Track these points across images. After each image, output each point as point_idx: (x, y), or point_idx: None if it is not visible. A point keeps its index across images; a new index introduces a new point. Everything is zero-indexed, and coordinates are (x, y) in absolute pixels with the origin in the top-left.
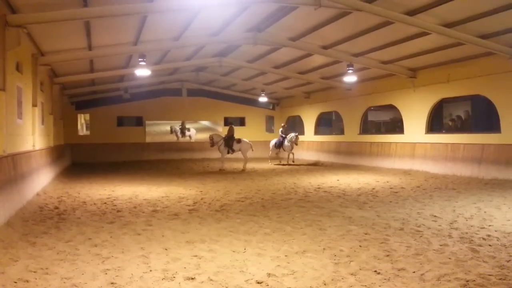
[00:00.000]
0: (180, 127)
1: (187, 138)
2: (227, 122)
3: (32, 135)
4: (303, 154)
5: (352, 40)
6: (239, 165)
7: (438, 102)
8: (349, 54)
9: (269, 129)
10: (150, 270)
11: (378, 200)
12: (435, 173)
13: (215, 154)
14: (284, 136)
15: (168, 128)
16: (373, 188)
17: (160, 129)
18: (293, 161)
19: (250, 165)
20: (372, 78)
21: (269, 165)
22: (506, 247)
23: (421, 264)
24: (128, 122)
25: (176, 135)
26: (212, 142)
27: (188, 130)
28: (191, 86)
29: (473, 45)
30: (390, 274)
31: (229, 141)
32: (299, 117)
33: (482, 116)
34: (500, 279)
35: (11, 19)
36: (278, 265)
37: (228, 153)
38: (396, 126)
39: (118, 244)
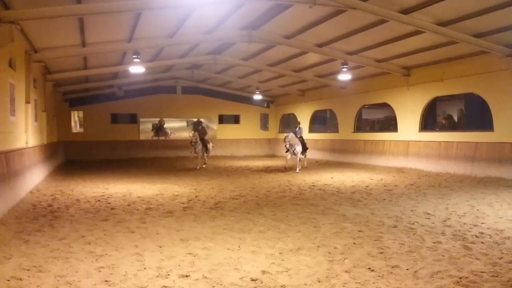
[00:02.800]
0: (158, 125)
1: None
2: (221, 119)
3: (25, 132)
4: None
5: (347, 38)
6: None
7: (431, 101)
8: (344, 52)
9: (264, 127)
10: (145, 268)
11: (372, 198)
12: (428, 171)
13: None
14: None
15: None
16: (367, 186)
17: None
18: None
19: (245, 163)
20: (367, 76)
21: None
22: (498, 244)
23: (414, 261)
24: (122, 120)
25: (154, 133)
26: (195, 142)
27: (161, 129)
28: (185, 84)
29: (467, 44)
30: (383, 271)
31: (205, 142)
32: (293, 115)
33: (475, 115)
34: (493, 276)
35: (4, 15)
36: (273, 263)
37: (203, 152)
38: (390, 124)
39: (112, 241)
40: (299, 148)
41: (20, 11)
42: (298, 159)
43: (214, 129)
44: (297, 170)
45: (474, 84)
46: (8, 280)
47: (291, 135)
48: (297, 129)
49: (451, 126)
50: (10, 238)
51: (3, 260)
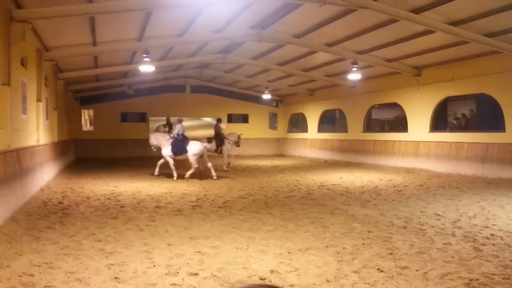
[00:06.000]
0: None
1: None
2: (230, 118)
3: (37, 130)
4: (306, 152)
5: (357, 38)
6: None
7: (442, 101)
8: (354, 51)
9: (273, 127)
10: (154, 266)
11: (381, 198)
12: (438, 172)
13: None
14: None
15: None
16: (376, 186)
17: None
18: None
19: (253, 162)
20: (377, 76)
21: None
22: (509, 247)
23: (424, 262)
24: (131, 118)
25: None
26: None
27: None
28: (194, 83)
29: (479, 44)
30: (393, 272)
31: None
32: (302, 114)
33: (486, 115)
34: (504, 278)
35: (16, 14)
36: (281, 262)
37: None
38: (400, 124)
39: (121, 239)
40: (165, 150)
41: (32, 10)
42: (170, 163)
43: (223, 128)
44: (174, 178)
45: (485, 84)
46: (20, 276)
47: (154, 134)
48: (177, 126)
49: (462, 126)
50: (21, 235)
51: (15, 256)
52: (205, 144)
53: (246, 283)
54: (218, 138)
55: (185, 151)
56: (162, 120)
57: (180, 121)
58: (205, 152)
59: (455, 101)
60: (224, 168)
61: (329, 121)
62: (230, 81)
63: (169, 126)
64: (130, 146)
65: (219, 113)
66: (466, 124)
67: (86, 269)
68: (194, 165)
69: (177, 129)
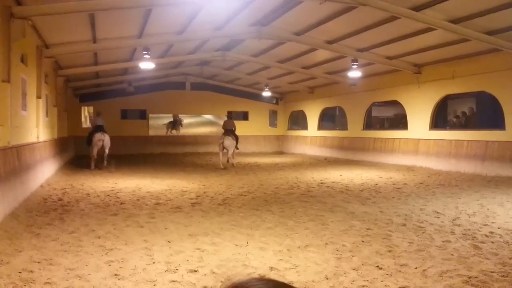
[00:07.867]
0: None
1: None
2: (230, 116)
3: (36, 127)
4: (306, 149)
5: (357, 35)
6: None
7: (442, 99)
8: (354, 49)
9: (272, 124)
10: (153, 262)
11: (381, 196)
12: (438, 170)
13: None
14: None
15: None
16: (376, 184)
17: (163, 122)
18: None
19: (253, 160)
20: (377, 73)
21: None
22: (509, 244)
23: (423, 260)
24: (131, 115)
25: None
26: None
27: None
28: (194, 80)
29: (479, 42)
30: (392, 270)
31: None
32: (302, 112)
33: (486, 113)
34: (503, 276)
35: (16, 11)
36: (281, 259)
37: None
38: (400, 122)
39: (121, 236)
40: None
41: (32, 7)
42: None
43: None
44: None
45: (485, 82)
46: (20, 273)
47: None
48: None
49: (462, 124)
50: (21, 231)
51: (15, 252)
52: (104, 137)
53: (246, 277)
54: (235, 135)
55: (90, 143)
56: (162, 118)
57: (98, 114)
58: (103, 145)
59: (455, 99)
60: (234, 164)
61: (329, 118)
62: (230, 79)
63: (174, 123)
64: (130, 143)
65: (219, 111)
66: (466, 122)
67: (86, 265)
68: (93, 153)
69: (95, 121)
